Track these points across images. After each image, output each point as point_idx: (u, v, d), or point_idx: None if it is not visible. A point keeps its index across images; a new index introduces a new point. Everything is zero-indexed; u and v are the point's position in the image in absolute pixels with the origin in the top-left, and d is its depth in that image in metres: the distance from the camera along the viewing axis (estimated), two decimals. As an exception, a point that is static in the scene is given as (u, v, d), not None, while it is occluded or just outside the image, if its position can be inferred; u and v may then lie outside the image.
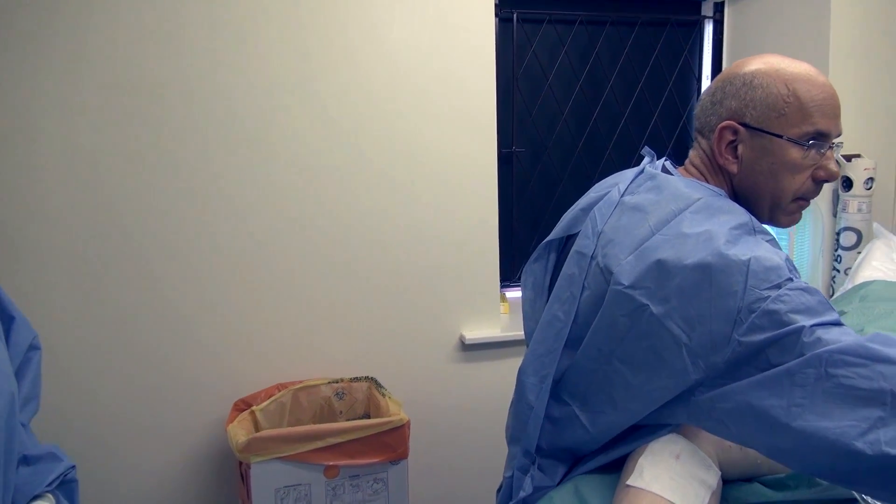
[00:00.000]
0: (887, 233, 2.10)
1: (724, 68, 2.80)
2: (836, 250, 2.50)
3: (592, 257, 1.11)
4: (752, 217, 1.06)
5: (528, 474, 1.17)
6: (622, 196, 1.15)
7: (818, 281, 2.57)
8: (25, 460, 0.96)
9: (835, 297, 1.95)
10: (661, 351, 1.00)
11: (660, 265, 0.99)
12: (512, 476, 1.20)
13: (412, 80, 2.23)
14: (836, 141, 1.10)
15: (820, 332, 0.89)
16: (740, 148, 1.12)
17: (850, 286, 1.90)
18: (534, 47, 2.60)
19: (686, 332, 0.97)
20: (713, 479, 1.04)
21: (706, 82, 2.85)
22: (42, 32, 1.93)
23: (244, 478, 1.90)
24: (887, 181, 2.54)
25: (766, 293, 0.93)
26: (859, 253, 2.33)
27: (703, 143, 1.18)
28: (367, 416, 2.18)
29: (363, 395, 2.20)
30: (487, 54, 2.29)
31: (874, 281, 1.78)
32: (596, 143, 2.75)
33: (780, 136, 1.08)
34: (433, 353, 2.34)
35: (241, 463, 1.91)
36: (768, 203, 1.13)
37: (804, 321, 0.90)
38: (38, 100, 1.95)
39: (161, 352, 2.11)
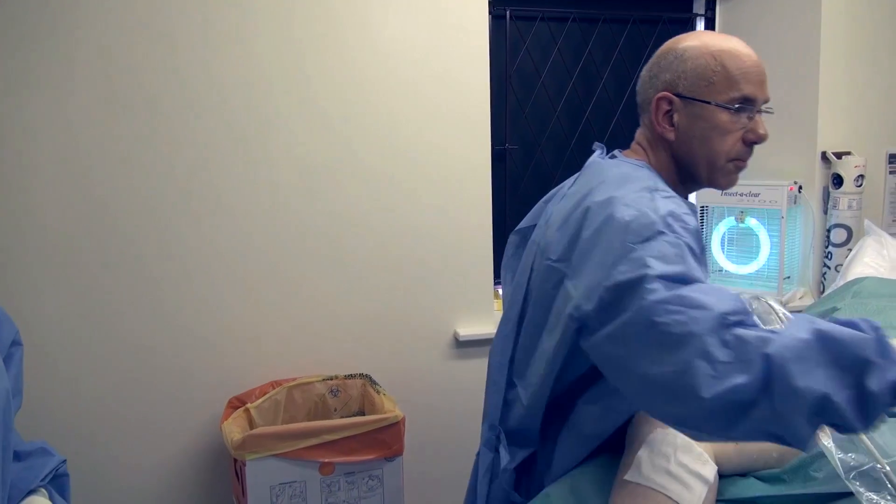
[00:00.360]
0: (878, 230, 2.11)
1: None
2: (826, 247, 2.52)
3: (538, 243, 1.22)
4: (660, 181, 1.16)
5: (501, 445, 1.26)
6: (570, 188, 1.26)
7: (808, 277, 2.59)
8: (16, 456, 0.96)
9: (827, 293, 1.96)
10: (561, 310, 1.09)
11: (572, 235, 1.11)
12: (479, 453, 1.31)
13: (406, 78, 2.23)
14: (765, 107, 1.19)
15: (660, 284, 0.94)
16: (676, 116, 1.20)
17: (841, 283, 1.91)
18: (527, 44, 2.61)
19: (575, 288, 1.06)
20: (710, 473, 1.05)
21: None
22: (34, 33, 1.92)
23: (239, 475, 1.90)
24: (877, 178, 2.57)
25: (635, 246, 1.01)
26: (850, 250, 2.35)
27: (645, 118, 1.27)
28: (362, 413, 2.18)
29: (357, 392, 2.20)
30: (481, 51, 2.29)
31: (866, 277, 1.80)
32: (589, 141, 2.75)
33: (709, 103, 1.16)
34: (427, 349, 2.35)
35: (235, 460, 1.91)
36: (704, 165, 1.20)
37: (653, 270, 0.96)
38: (31, 99, 1.94)
39: (155, 349, 2.10)
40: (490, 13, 2.42)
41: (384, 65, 2.20)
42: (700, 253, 1.06)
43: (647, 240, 1.00)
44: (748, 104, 1.16)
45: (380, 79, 2.20)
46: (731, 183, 1.23)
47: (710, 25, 2.81)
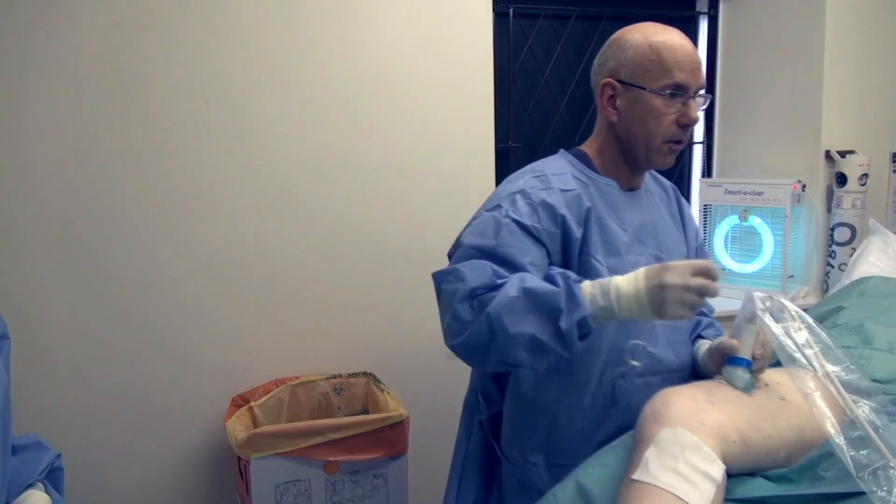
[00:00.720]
0: (883, 229, 2.11)
1: (718, 65, 2.82)
2: (830, 245, 2.51)
3: None
4: (555, 165, 1.36)
5: (479, 405, 1.47)
6: None
7: (812, 276, 2.59)
8: (12, 450, 0.96)
9: (832, 292, 1.96)
10: None
11: None
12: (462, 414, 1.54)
13: (409, 75, 2.22)
14: (701, 93, 1.31)
15: (460, 252, 1.26)
16: (618, 101, 1.33)
17: (847, 282, 1.91)
18: (530, 42, 2.60)
19: None
20: (718, 473, 1.04)
21: (701, 78, 2.85)
22: (41, 26, 1.91)
23: (243, 473, 1.90)
24: (881, 177, 2.56)
25: (481, 212, 1.32)
26: (853, 248, 2.35)
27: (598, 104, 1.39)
28: (366, 412, 2.18)
29: (361, 390, 2.20)
30: (485, 49, 2.29)
31: (872, 277, 1.79)
32: (592, 139, 2.74)
33: (644, 89, 1.28)
34: (432, 347, 2.32)
35: (239, 459, 1.91)
36: (642, 146, 1.33)
37: (468, 239, 1.27)
38: (39, 94, 1.93)
39: (158, 347, 2.10)
40: (493, 11, 2.41)
41: (387, 62, 2.20)
42: (557, 223, 1.26)
43: (489, 209, 1.29)
44: (680, 90, 1.28)
45: (383, 76, 2.20)
46: (667, 164, 1.36)
47: (713, 24, 2.81)
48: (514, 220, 1.24)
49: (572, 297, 1.13)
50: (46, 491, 0.98)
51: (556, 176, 1.32)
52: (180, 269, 2.10)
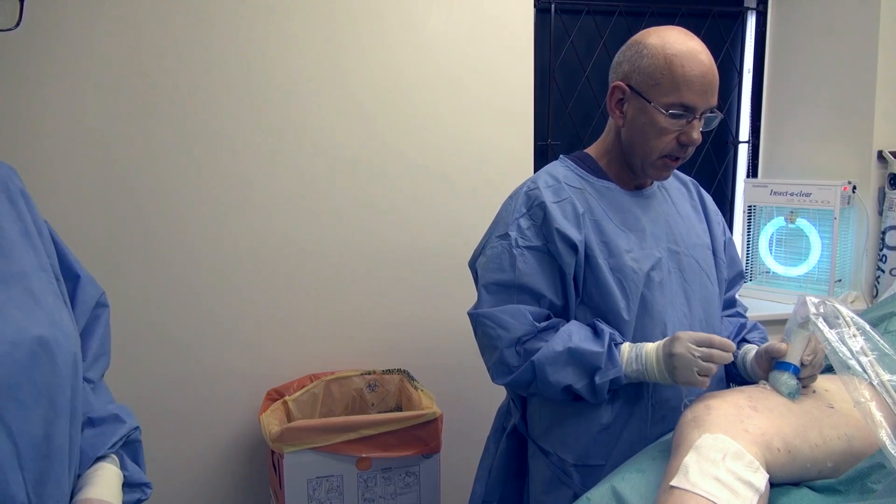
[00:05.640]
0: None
1: (766, 61, 2.74)
2: (881, 249, 2.43)
3: None
4: (541, 179, 1.40)
5: (511, 403, 1.54)
6: None
7: (860, 281, 2.50)
8: (90, 422, 0.96)
9: (884, 297, 1.88)
10: None
11: None
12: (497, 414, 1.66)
13: (448, 71, 2.20)
14: (709, 115, 1.30)
15: (485, 292, 1.36)
16: (626, 106, 1.33)
17: (899, 287, 1.83)
18: (571, 38, 2.56)
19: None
20: (761, 482, 1.01)
21: (748, 76, 2.79)
22: (54, 18, 1.92)
23: (277, 468, 1.90)
24: (936, 179, 2.46)
25: (492, 239, 1.38)
26: (907, 253, 2.26)
27: None
28: (399, 409, 2.17)
29: (395, 387, 2.19)
30: (525, 45, 2.26)
31: (925, 282, 1.72)
32: (633, 137, 2.69)
33: (650, 103, 1.28)
34: (466, 345, 2.31)
35: (273, 452, 1.91)
36: (639, 156, 1.34)
37: (485, 278, 1.36)
38: (58, 93, 1.93)
39: (194, 341, 2.11)
40: (535, 6, 2.38)
41: (427, 59, 2.18)
42: (560, 236, 1.30)
43: (499, 236, 1.36)
44: (686, 111, 1.27)
45: (423, 73, 2.18)
46: (662, 177, 1.39)
47: (761, 20, 2.73)
48: (526, 248, 1.32)
49: (611, 357, 1.28)
50: (122, 463, 0.97)
51: (549, 188, 1.36)
52: (216, 265, 2.11)
